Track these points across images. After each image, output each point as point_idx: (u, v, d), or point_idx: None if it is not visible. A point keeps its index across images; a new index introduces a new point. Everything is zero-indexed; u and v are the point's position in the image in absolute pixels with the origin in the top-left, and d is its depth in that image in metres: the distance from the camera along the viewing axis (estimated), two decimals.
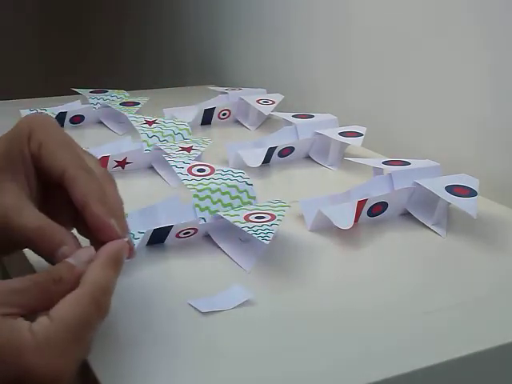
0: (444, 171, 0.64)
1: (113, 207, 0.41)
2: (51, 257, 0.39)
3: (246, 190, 0.57)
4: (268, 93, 0.93)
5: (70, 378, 0.35)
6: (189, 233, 0.54)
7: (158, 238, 0.53)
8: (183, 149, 0.69)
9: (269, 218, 0.53)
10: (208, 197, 0.55)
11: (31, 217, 0.40)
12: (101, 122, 0.89)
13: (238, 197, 0.56)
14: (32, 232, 0.39)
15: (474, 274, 0.52)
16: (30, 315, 0.36)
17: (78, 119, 0.87)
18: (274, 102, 0.88)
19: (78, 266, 0.37)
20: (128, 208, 0.45)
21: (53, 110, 0.85)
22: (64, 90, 1.00)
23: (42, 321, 0.34)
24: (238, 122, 0.92)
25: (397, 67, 0.83)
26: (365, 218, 0.60)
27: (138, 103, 0.89)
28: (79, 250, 0.39)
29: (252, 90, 0.95)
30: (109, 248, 0.39)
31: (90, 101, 0.90)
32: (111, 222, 0.40)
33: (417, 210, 0.61)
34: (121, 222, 0.41)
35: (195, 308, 0.45)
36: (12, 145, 0.42)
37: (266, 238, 0.49)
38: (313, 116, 0.80)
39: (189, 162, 0.60)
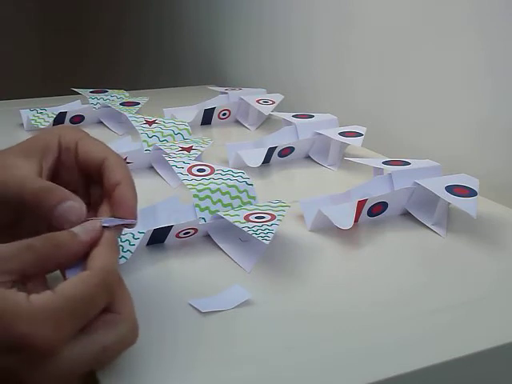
0: (444, 171, 0.64)
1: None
2: (51, 214, 0.40)
3: (246, 190, 0.57)
4: (268, 93, 0.93)
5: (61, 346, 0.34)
6: (189, 233, 0.54)
7: (158, 237, 0.53)
8: (183, 149, 0.69)
9: (269, 217, 0.53)
10: (208, 197, 0.55)
11: (38, 179, 0.42)
12: (101, 122, 0.89)
13: (238, 197, 0.56)
14: (38, 188, 0.40)
15: (474, 274, 0.52)
16: (26, 281, 0.36)
17: (78, 119, 0.87)
18: (273, 102, 0.88)
19: (81, 234, 0.38)
20: None
21: (53, 110, 0.85)
22: (64, 90, 1.01)
23: (45, 293, 0.34)
24: (238, 121, 0.92)
25: (397, 67, 0.83)
26: (365, 218, 0.60)
27: (138, 103, 0.89)
28: (85, 222, 0.39)
29: (252, 89, 0.95)
30: (107, 233, 0.39)
31: (90, 101, 0.90)
32: (135, 205, 0.42)
33: (417, 210, 0.61)
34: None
35: (195, 308, 0.45)
36: (36, 140, 0.45)
37: (266, 238, 0.49)
38: (313, 116, 0.80)
39: (189, 162, 0.60)
